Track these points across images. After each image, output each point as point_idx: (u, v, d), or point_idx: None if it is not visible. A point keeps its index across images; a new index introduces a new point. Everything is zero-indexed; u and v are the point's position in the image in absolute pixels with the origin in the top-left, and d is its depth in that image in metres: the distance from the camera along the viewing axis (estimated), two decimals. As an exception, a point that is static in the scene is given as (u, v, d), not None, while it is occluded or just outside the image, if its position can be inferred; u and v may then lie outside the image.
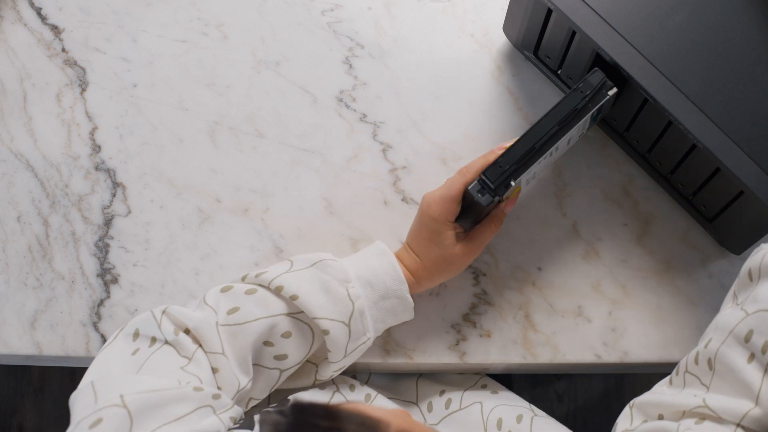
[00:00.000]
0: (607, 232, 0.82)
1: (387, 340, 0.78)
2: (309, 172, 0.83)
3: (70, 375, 1.47)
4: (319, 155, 0.84)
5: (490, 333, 0.79)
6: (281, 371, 0.70)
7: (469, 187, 0.69)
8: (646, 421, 0.62)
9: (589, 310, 0.80)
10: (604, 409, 1.46)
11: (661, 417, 0.61)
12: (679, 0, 0.70)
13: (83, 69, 0.86)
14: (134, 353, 0.64)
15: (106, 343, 0.66)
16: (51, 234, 0.81)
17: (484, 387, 0.81)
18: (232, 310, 0.66)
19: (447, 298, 0.79)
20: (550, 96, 0.85)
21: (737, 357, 0.57)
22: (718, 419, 0.57)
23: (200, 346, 0.65)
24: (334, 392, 0.73)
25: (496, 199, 0.68)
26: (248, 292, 0.67)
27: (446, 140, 0.84)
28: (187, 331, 0.65)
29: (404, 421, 0.44)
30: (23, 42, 0.87)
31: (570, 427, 0.75)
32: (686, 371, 0.62)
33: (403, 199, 0.82)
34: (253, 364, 0.69)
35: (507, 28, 0.85)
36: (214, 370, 0.65)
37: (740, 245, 0.77)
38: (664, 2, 0.70)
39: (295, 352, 0.69)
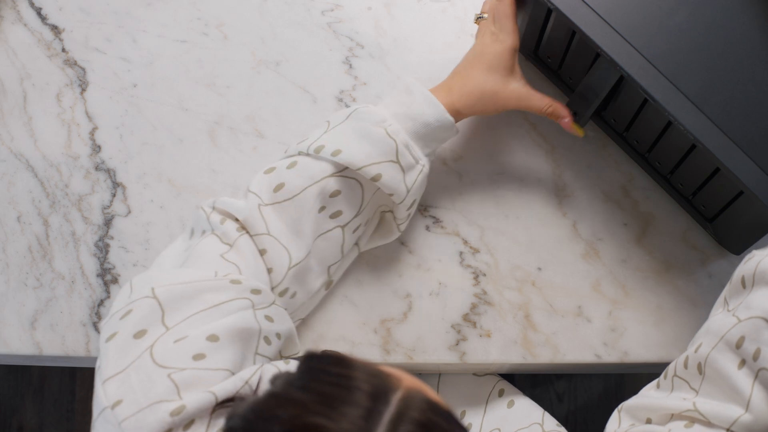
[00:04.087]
0: (607, 232, 0.82)
1: (387, 340, 0.78)
2: (309, 172, 0.83)
3: (70, 375, 1.47)
4: (319, 155, 0.84)
5: (490, 333, 0.79)
6: (342, 228, 0.71)
7: None
8: (633, 424, 0.62)
9: (589, 310, 0.80)
10: (604, 409, 1.46)
11: (649, 420, 0.61)
12: (679, 0, 0.70)
13: (83, 69, 0.86)
14: (187, 249, 0.66)
15: (165, 248, 0.69)
16: (51, 234, 0.81)
17: (501, 394, 0.81)
18: (278, 187, 0.67)
19: (447, 298, 0.79)
20: (550, 96, 0.85)
21: (728, 363, 0.57)
22: (708, 423, 0.57)
23: (246, 232, 0.66)
24: None
25: None
26: (290, 166, 0.68)
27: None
28: (234, 219, 0.66)
29: (414, 380, 0.44)
30: (23, 42, 0.87)
31: (570, 428, 0.75)
32: (675, 375, 0.62)
33: (403, 199, 0.82)
34: (318, 236, 0.69)
35: None
36: (262, 252, 0.66)
37: (740, 245, 0.77)
38: (664, 2, 0.70)
39: (347, 208, 0.70)
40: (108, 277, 0.80)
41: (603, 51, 0.69)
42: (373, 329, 0.79)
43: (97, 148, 0.84)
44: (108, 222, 0.82)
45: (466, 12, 0.89)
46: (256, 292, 0.62)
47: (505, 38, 0.74)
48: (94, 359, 0.79)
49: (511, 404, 0.80)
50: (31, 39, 0.87)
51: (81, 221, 0.82)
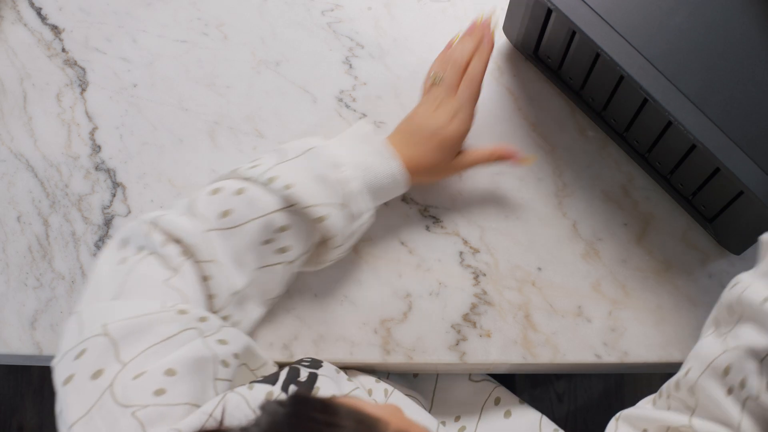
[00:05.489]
0: (607, 232, 0.82)
1: (387, 340, 0.78)
2: (309, 172, 0.83)
3: (70, 375, 1.47)
4: (319, 155, 0.84)
5: (490, 333, 0.79)
6: (288, 263, 0.71)
7: None
8: None
9: (589, 310, 0.80)
10: (604, 410, 1.46)
11: (645, 430, 0.62)
12: (679, 0, 0.70)
13: (83, 69, 0.86)
14: (121, 262, 0.65)
15: (99, 253, 0.68)
16: (51, 234, 0.81)
17: (497, 402, 0.81)
18: (225, 213, 0.66)
19: (447, 298, 0.79)
20: (550, 96, 0.85)
21: (716, 389, 0.58)
22: None
23: (191, 256, 0.65)
24: (355, 388, 0.73)
25: None
26: (238, 192, 0.67)
27: (446, 140, 0.84)
28: (177, 241, 0.65)
29: (402, 421, 0.44)
30: (23, 42, 0.87)
31: (570, 428, 0.75)
32: (669, 396, 0.63)
33: (403, 199, 0.82)
34: (259, 267, 0.69)
35: (507, 28, 0.85)
36: (206, 278, 0.65)
37: (740, 245, 0.78)
38: (664, 2, 0.70)
39: (296, 243, 0.70)
40: (108, 277, 0.80)
41: (603, 51, 0.69)
42: (373, 329, 0.79)
43: (97, 148, 0.84)
44: (108, 222, 0.82)
45: (465, 12, 0.89)
46: (203, 319, 0.62)
47: (465, 122, 0.75)
48: (94, 359, 0.79)
49: (508, 414, 0.80)
50: (31, 39, 0.87)
51: (81, 221, 0.82)
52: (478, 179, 0.83)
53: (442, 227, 0.82)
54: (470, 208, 0.82)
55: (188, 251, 0.65)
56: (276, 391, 0.61)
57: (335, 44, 0.87)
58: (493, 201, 0.82)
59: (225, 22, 0.88)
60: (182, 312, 0.61)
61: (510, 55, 0.87)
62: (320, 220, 0.68)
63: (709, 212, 0.78)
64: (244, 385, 0.61)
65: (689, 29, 0.70)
